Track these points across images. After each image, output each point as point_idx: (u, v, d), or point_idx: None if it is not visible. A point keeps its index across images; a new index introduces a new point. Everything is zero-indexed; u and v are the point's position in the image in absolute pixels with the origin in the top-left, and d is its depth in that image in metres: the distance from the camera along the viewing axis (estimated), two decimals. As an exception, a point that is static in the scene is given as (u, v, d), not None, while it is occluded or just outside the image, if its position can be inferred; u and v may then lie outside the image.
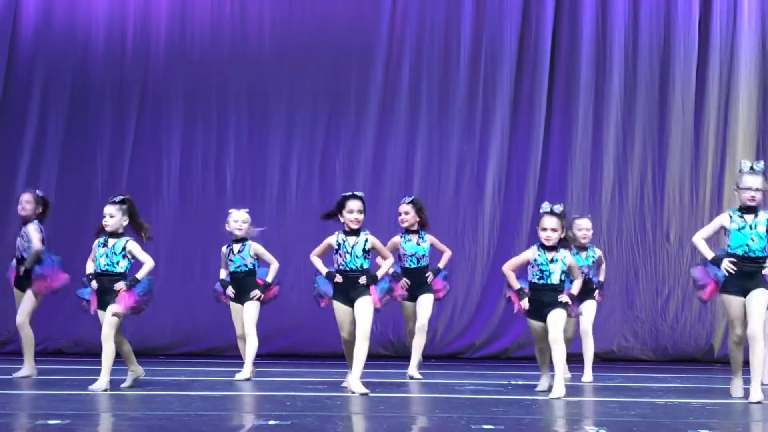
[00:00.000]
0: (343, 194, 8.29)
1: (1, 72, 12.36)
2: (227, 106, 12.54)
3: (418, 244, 9.63)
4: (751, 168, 7.91)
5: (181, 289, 12.13)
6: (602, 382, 9.38)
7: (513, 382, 9.09)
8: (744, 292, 7.93)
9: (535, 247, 8.24)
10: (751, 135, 12.47)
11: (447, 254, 9.79)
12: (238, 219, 9.44)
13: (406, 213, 9.62)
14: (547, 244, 8.12)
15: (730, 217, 7.95)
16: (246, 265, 9.37)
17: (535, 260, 8.16)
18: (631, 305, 12.29)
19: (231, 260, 9.41)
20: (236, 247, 9.41)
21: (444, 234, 12.14)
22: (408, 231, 9.63)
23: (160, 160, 12.48)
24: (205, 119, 12.54)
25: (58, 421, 6.59)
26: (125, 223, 8.32)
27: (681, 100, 12.45)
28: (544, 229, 8.14)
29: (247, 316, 9.37)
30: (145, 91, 12.54)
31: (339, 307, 8.24)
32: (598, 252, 9.67)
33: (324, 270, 8.25)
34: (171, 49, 12.53)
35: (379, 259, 8.67)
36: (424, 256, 9.65)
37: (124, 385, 8.38)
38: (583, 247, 9.45)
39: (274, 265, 9.43)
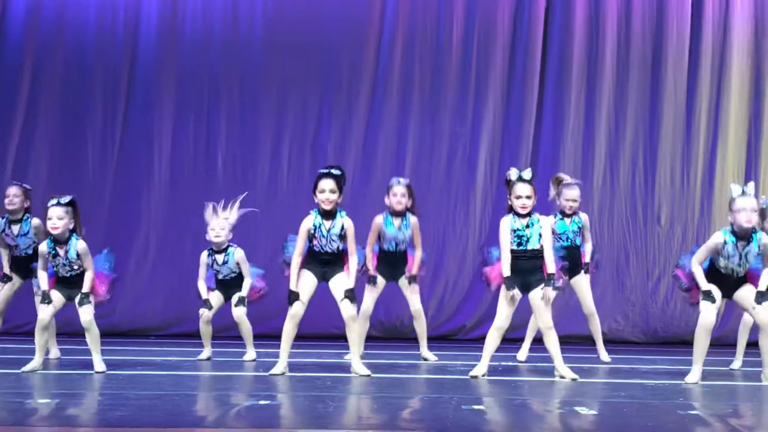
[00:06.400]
0: (319, 171, 8.11)
1: (-9, 57, 12.35)
2: (218, 89, 12.49)
3: (399, 228, 9.30)
4: (742, 192, 7.81)
5: (172, 272, 12.11)
6: (592, 363, 9.39)
7: (503, 363, 9.10)
8: (730, 294, 7.99)
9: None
10: (743, 117, 12.46)
11: (418, 255, 9.37)
12: (215, 227, 9.21)
13: (403, 195, 9.30)
14: (522, 212, 7.91)
15: (725, 243, 7.85)
16: (234, 272, 9.30)
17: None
18: (622, 287, 12.30)
19: (218, 271, 9.30)
20: (219, 258, 9.26)
21: (436, 215, 12.18)
22: (393, 213, 9.32)
23: (151, 144, 12.44)
24: (195, 102, 12.49)
25: (48, 400, 6.59)
26: (71, 227, 8.07)
27: (673, 82, 12.44)
28: (519, 197, 7.92)
29: (235, 312, 9.30)
30: (134, 76, 12.49)
31: (306, 275, 8.13)
32: (585, 217, 9.40)
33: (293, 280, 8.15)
34: (161, 32, 12.48)
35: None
36: (403, 241, 9.37)
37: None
38: (568, 215, 9.34)
39: (248, 281, 9.25)
